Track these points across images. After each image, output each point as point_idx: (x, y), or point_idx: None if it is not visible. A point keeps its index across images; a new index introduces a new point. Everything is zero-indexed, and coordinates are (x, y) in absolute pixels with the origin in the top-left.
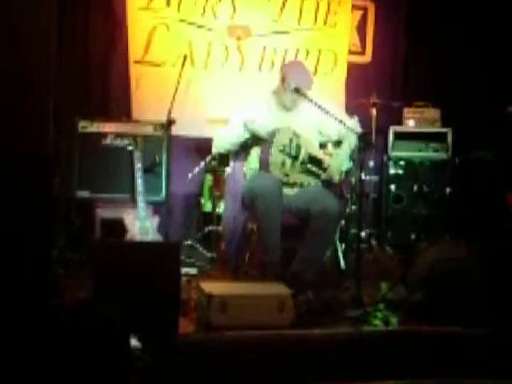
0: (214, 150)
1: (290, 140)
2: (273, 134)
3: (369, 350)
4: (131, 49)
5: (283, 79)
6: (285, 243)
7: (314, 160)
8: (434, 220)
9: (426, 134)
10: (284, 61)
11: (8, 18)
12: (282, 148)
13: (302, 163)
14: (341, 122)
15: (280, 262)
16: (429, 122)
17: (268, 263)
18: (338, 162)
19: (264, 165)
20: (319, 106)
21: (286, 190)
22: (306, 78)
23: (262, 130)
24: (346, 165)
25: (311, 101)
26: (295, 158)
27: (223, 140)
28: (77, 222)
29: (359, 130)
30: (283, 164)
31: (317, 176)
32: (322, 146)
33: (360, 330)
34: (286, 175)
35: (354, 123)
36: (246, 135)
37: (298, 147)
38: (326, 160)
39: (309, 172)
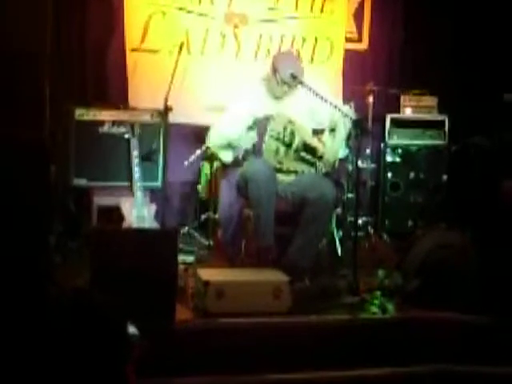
0: (209, 143)
1: (285, 127)
2: (265, 121)
3: (365, 337)
4: (128, 36)
5: (274, 71)
6: (281, 230)
7: (308, 148)
8: (431, 207)
9: (423, 122)
10: (280, 49)
11: (3, 6)
12: (275, 135)
13: (296, 151)
14: (335, 107)
15: (274, 247)
16: (426, 110)
17: (262, 248)
18: (333, 150)
19: (257, 151)
20: (314, 92)
21: (282, 177)
22: (295, 68)
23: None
24: (341, 152)
25: (307, 87)
26: (289, 145)
27: (222, 136)
28: (74, 210)
29: (353, 115)
30: (277, 151)
31: (311, 164)
32: (319, 132)
33: (356, 317)
34: (280, 162)
35: (348, 109)
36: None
37: (292, 134)
38: (321, 148)
39: (303, 160)
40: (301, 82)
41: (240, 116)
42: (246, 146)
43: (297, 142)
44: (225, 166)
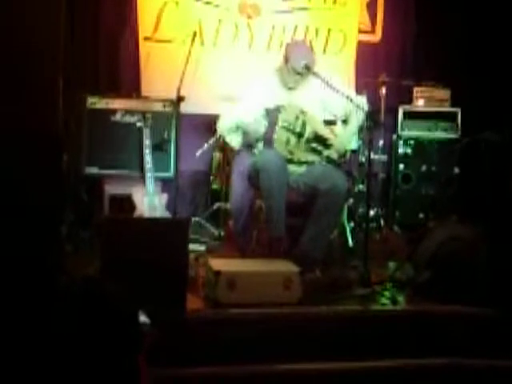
0: (219, 126)
1: (296, 117)
2: (277, 112)
3: (376, 329)
4: (141, 25)
5: (286, 60)
6: (292, 221)
7: (319, 138)
8: (442, 200)
9: (436, 114)
10: (292, 40)
11: None
12: (286, 125)
13: (307, 141)
14: (348, 97)
15: (286, 238)
16: (438, 102)
17: (273, 238)
18: (344, 139)
19: (268, 142)
20: (327, 83)
21: (294, 168)
22: (308, 59)
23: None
24: (353, 143)
25: (320, 77)
26: (300, 135)
27: (234, 119)
28: (85, 199)
29: (366, 107)
30: (288, 141)
31: (321, 154)
32: (331, 123)
33: (367, 309)
34: (291, 153)
35: (361, 100)
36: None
37: (304, 125)
38: (332, 138)
39: (314, 150)
40: (313, 73)
41: (251, 104)
42: (259, 130)
43: (308, 133)
44: (234, 154)
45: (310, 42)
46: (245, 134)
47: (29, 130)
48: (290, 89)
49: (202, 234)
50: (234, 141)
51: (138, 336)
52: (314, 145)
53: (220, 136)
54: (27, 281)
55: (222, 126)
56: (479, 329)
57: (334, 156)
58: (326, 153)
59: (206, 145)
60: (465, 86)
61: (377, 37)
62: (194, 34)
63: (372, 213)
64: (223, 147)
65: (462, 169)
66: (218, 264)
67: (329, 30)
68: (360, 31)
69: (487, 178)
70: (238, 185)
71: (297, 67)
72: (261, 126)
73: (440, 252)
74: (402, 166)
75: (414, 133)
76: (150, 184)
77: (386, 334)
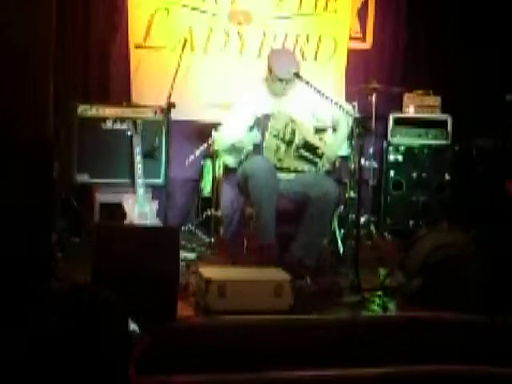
0: (216, 147)
1: (286, 125)
2: (266, 119)
3: (366, 336)
4: (132, 33)
5: (270, 70)
6: (282, 229)
7: (308, 146)
8: (433, 207)
9: (426, 121)
10: (272, 49)
11: (7, 1)
12: (276, 133)
13: (297, 149)
14: (336, 104)
15: (276, 245)
16: (429, 109)
17: (263, 245)
18: (334, 147)
19: (258, 149)
20: (315, 89)
21: (283, 175)
22: (290, 67)
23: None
24: (342, 150)
25: (303, 81)
26: (289, 143)
27: (227, 140)
28: (76, 206)
29: (354, 113)
30: (277, 149)
31: (311, 162)
32: (320, 131)
33: (358, 316)
34: (280, 161)
35: (349, 108)
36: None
37: (293, 132)
38: (322, 147)
39: (303, 158)
40: (299, 76)
41: (242, 117)
42: (249, 146)
43: (297, 141)
44: (228, 168)
45: (301, 49)
46: (239, 152)
47: (19, 137)
48: (277, 95)
49: (193, 241)
50: (230, 161)
51: (127, 344)
52: (303, 153)
53: (213, 147)
54: (17, 287)
55: (218, 147)
56: (471, 336)
57: (326, 165)
58: (318, 163)
59: (196, 152)
60: (455, 93)
61: (367, 44)
62: (185, 41)
63: (363, 220)
64: (213, 154)
65: (453, 175)
66: (208, 271)
67: (319, 37)
68: (351, 38)
69: (479, 185)
70: (228, 192)
71: (280, 75)
72: (250, 139)
73: (431, 259)
74: (392, 173)
75: (405, 140)
76: (141, 192)
77: (376, 341)
